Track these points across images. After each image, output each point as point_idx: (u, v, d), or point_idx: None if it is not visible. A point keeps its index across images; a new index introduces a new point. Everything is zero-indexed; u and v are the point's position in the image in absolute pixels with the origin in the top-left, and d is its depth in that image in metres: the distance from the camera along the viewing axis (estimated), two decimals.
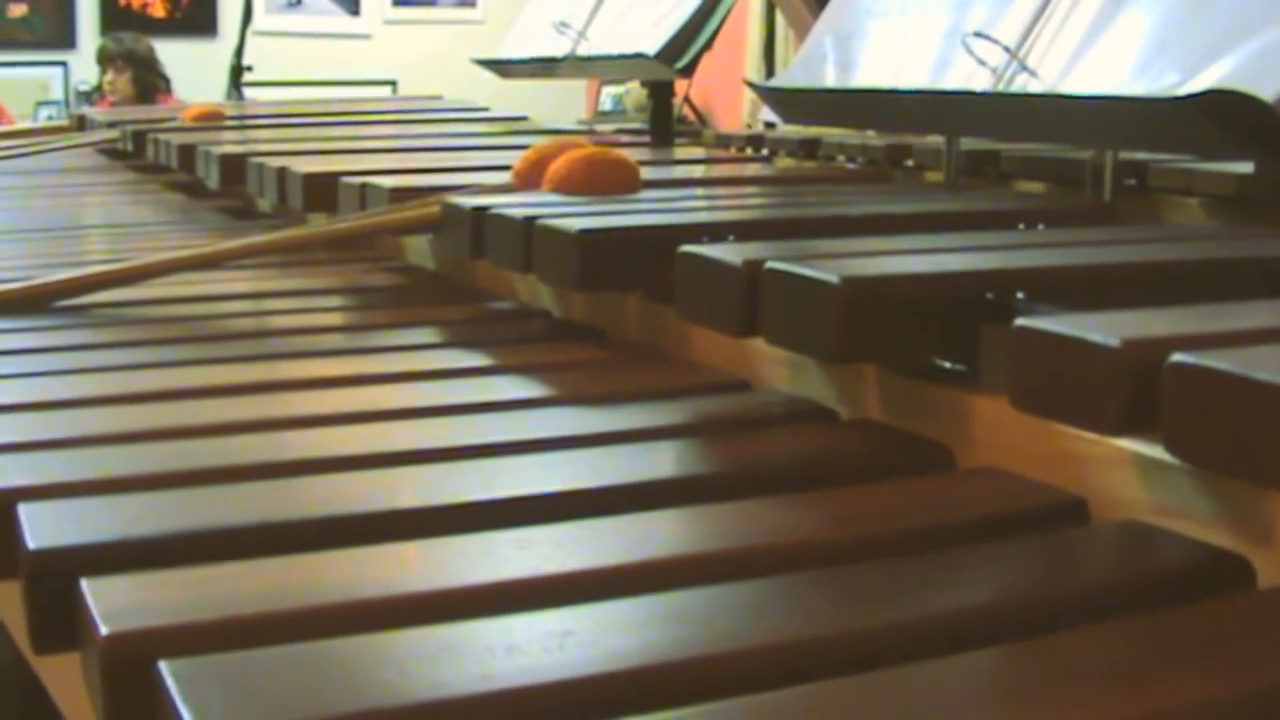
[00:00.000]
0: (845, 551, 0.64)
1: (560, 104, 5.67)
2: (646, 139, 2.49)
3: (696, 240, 0.93)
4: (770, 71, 4.69)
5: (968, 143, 1.91)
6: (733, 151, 2.90)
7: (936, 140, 2.11)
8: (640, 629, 0.54)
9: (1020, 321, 0.69)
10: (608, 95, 7.12)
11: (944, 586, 0.60)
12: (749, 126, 5.12)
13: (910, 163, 2.34)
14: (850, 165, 2.48)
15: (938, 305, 0.81)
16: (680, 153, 2.16)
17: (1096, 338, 0.64)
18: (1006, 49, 1.41)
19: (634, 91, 6.89)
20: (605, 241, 1.01)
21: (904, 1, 1.66)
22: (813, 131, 2.63)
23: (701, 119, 5.85)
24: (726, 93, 5.87)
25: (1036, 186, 2.05)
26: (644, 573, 0.60)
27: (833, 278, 0.78)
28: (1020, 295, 0.81)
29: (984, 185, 2.05)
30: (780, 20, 4.82)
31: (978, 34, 1.46)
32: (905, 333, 0.81)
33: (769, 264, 0.82)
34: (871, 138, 2.49)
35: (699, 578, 0.59)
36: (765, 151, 2.86)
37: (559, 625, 0.53)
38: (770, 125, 4.00)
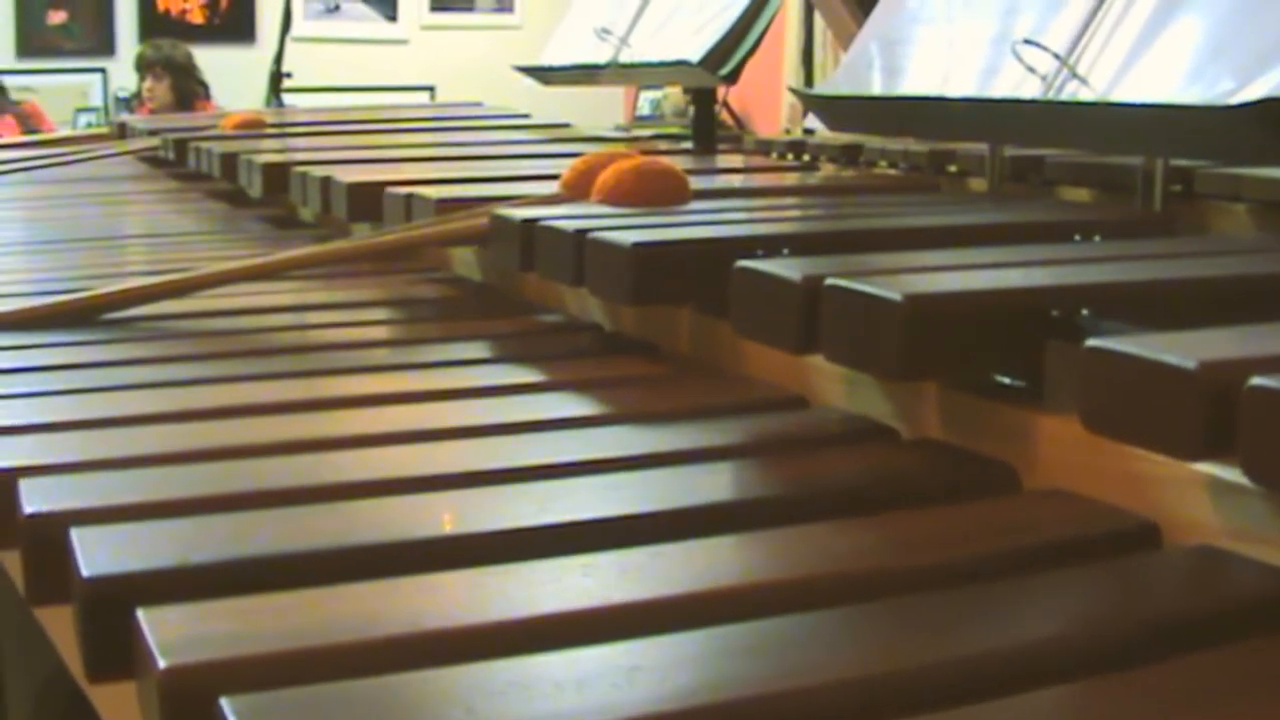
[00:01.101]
0: (911, 579, 0.63)
1: (597, 110, 5.67)
2: (686, 145, 2.48)
3: (750, 254, 0.92)
4: (809, 77, 4.67)
5: (1011, 148, 1.89)
6: (773, 157, 2.89)
7: (979, 146, 2.10)
8: (708, 663, 0.52)
9: (1092, 342, 0.67)
10: (645, 100, 7.11)
11: (1012, 617, 0.58)
12: (787, 132, 5.11)
13: (953, 169, 2.33)
14: (892, 172, 2.47)
15: (1001, 322, 0.79)
16: (724, 161, 2.14)
17: (1172, 359, 0.63)
18: (1057, 56, 1.39)
19: (671, 96, 6.89)
20: (659, 255, 1.00)
21: (950, 7, 1.64)
22: (851, 137, 2.62)
23: (740, 124, 5.84)
24: (764, 98, 5.86)
25: (1081, 193, 2.04)
26: (709, 602, 0.59)
27: (895, 295, 0.76)
28: (1085, 312, 0.80)
29: (1028, 192, 2.04)
30: (819, 25, 4.80)
31: (1027, 41, 1.44)
32: (968, 350, 0.79)
33: (829, 280, 0.81)
34: (913, 144, 2.48)
35: (764, 607, 0.57)
36: (807, 157, 2.85)
37: (627, 659, 0.51)
38: (809, 131, 3.99)
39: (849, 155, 2.66)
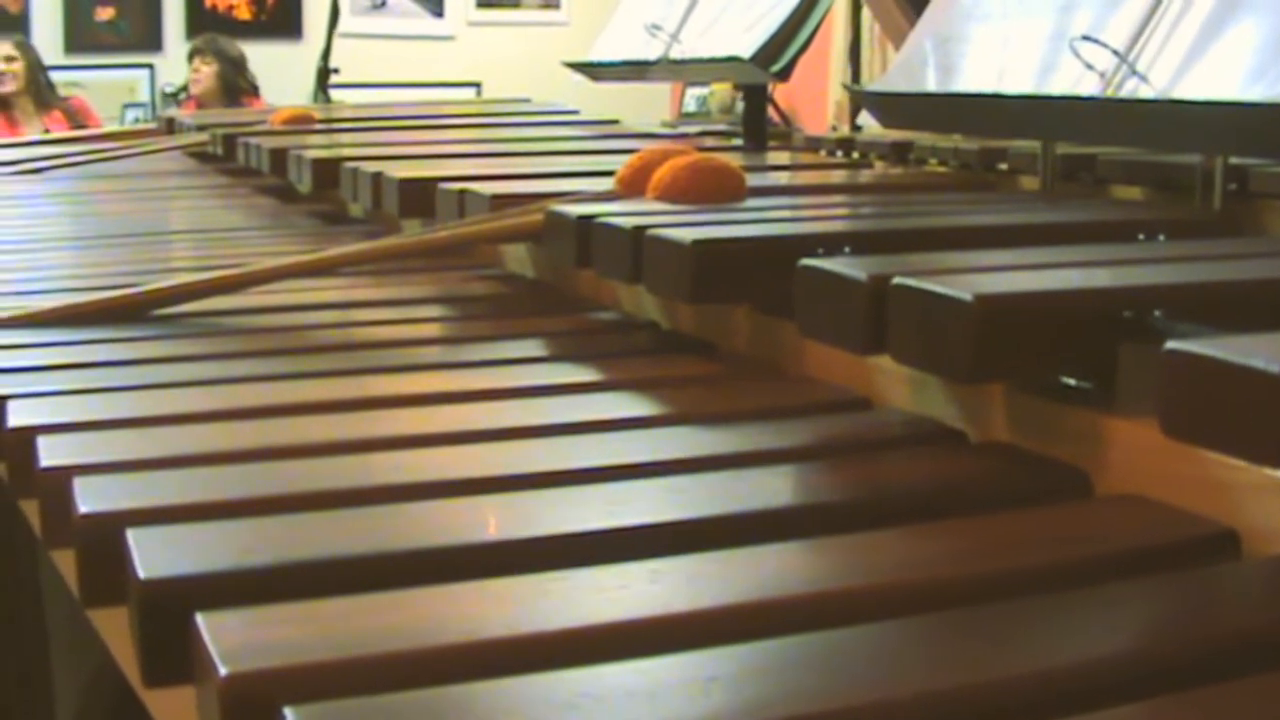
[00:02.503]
0: (981, 588, 0.61)
1: (643, 106, 5.66)
2: (734, 142, 2.47)
3: (811, 252, 0.90)
4: (856, 74, 4.66)
5: (1063, 146, 1.87)
6: (822, 155, 2.88)
7: (1030, 144, 2.08)
8: (783, 674, 0.51)
9: (1171, 345, 0.65)
10: (691, 97, 7.10)
11: (1086, 629, 0.56)
12: (834, 129, 5.10)
13: (1003, 166, 2.31)
14: (943, 169, 2.45)
15: (1072, 323, 0.78)
16: (776, 158, 2.13)
17: (1258, 364, 0.61)
18: (1116, 53, 1.38)
19: (718, 93, 6.88)
20: (719, 253, 0.98)
21: (1005, 4, 1.63)
22: (900, 134, 2.60)
23: (787, 121, 5.82)
24: (811, 94, 5.84)
25: (1134, 191, 2.02)
26: (779, 611, 0.57)
27: (965, 295, 0.75)
28: (1158, 314, 0.78)
29: (1080, 190, 2.02)
30: (866, 22, 4.78)
31: (1086, 38, 1.42)
32: (1038, 352, 0.77)
33: (896, 280, 0.79)
34: (964, 141, 2.46)
35: (833, 617, 0.56)
36: (856, 155, 2.83)
37: (700, 670, 0.50)
38: (857, 128, 3.98)
39: (899, 153, 2.64)
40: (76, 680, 1.90)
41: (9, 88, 5.84)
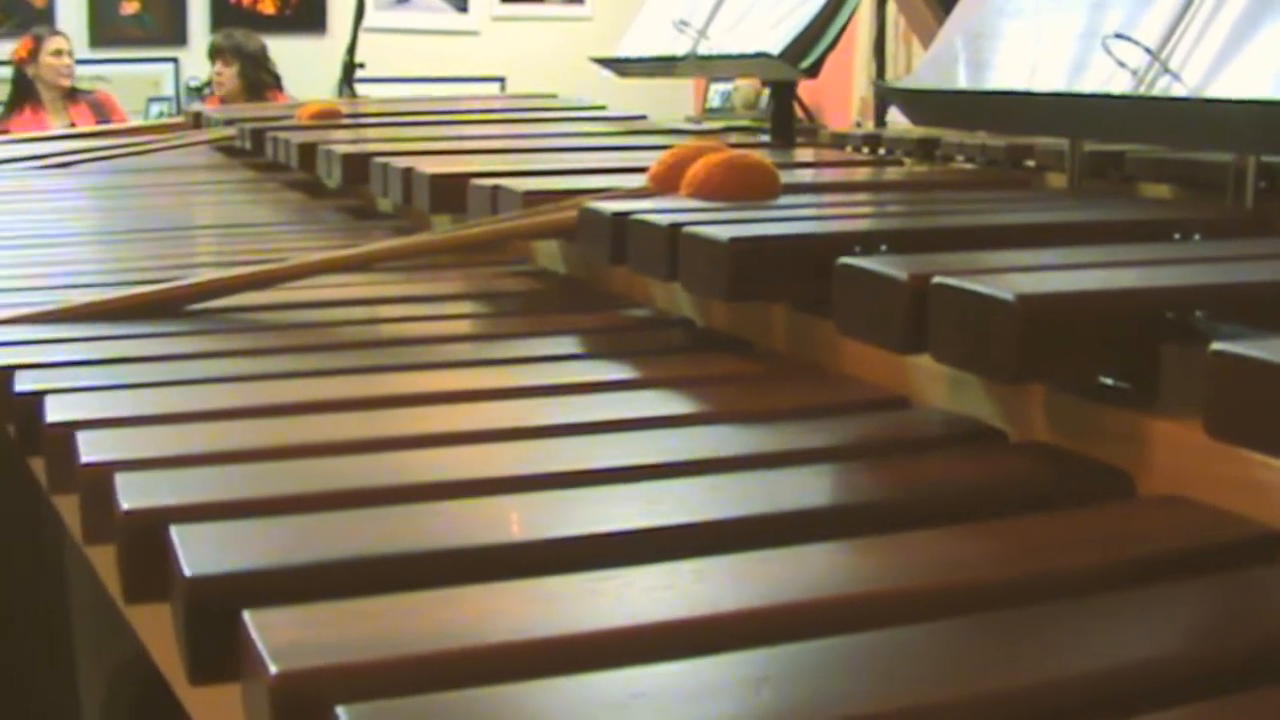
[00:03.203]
0: (1024, 590, 0.61)
1: (667, 102, 5.65)
2: (759, 138, 2.47)
3: (847, 250, 0.90)
4: (881, 70, 4.66)
5: (1090, 143, 1.87)
6: (849, 151, 2.88)
7: (1057, 141, 2.08)
8: (833, 674, 0.51)
9: (1217, 346, 0.65)
10: (715, 92, 7.10)
11: (1130, 632, 0.56)
12: (858, 125, 5.09)
13: (1030, 163, 2.31)
14: (969, 166, 2.45)
15: (1114, 324, 0.77)
16: (804, 154, 2.12)
17: None
18: (1148, 51, 1.37)
19: (742, 89, 6.87)
20: (756, 251, 0.98)
21: (1036, 1, 1.62)
22: (926, 131, 2.60)
23: (811, 117, 5.81)
24: (835, 91, 5.83)
25: (1162, 189, 2.02)
26: (825, 611, 0.57)
27: (1008, 295, 0.74)
28: (1200, 314, 0.78)
29: (1109, 188, 2.02)
30: (891, 18, 4.78)
31: (1119, 35, 1.42)
32: (1080, 352, 0.77)
33: (936, 279, 0.79)
34: (991, 138, 2.46)
35: (878, 618, 0.56)
36: (883, 151, 2.83)
37: (752, 669, 0.50)
38: (881, 124, 3.98)
39: (925, 149, 2.64)
40: (102, 670, 1.90)
41: (69, 80, 5.89)
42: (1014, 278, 0.81)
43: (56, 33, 6.10)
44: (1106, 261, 0.92)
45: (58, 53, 5.93)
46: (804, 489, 0.73)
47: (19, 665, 2.06)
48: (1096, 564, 0.63)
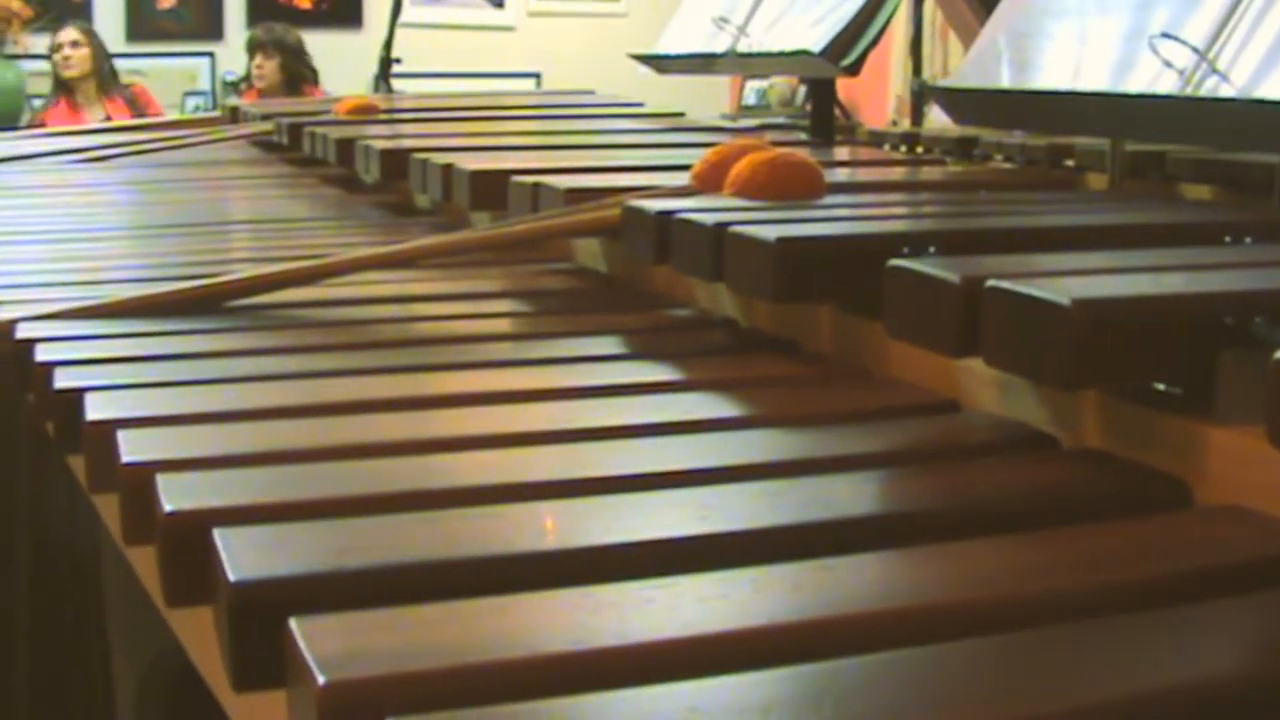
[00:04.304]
0: (1078, 604, 0.59)
1: (702, 99, 5.64)
2: (797, 135, 2.45)
3: (896, 251, 0.89)
4: (918, 68, 4.64)
5: (1131, 143, 1.85)
6: (887, 150, 2.86)
7: (1097, 141, 2.06)
8: (893, 690, 0.49)
9: None
10: (751, 90, 7.08)
11: (1191, 648, 0.54)
12: (894, 123, 5.08)
13: (1070, 163, 2.29)
14: (1008, 165, 2.44)
15: (1171, 329, 0.76)
16: (844, 153, 2.11)
17: None
18: (1196, 50, 1.36)
19: (777, 86, 6.86)
20: (803, 251, 0.97)
21: (1080, 0, 1.61)
22: (964, 130, 2.59)
23: (847, 115, 5.79)
24: (872, 89, 5.81)
25: (1204, 190, 2.00)
26: (884, 622, 0.56)
27: (1063, 299, 0.73)
28: (1259, 320, 0.76)
29: (1150, 188, 2.00)
30: (928, 16, 4.76)
31: (1165, 35, 1.40)
32: (1136, 357, 0.76)
33: (989, 282, 0.78)
34: (1030, 137, 2.45)
35: (935, 631, 0.55)
36: (921, 150, 2.82)
37: (813, 683, 0.49)
38: (918, 122, 3.96)
39: (964, 148, 2.63)
40: (134, 667, 1.89)
41: (74, 71, 5.89)
42: (1067, 281, 0.80)
43: (67, 25, 6.11)
44: (1158, 265, 0.90)
45: (58, 46, 5.96)
46: (858, 496, 0.71)
47: (53, 662, 2.05)
48: (1156, 576, 0.62)
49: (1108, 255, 0.95)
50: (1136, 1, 1.48)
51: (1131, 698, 0.50)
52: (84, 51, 5.92)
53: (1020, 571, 0.62)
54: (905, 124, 4.28)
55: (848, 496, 0.71)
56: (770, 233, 0.97)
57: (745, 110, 6.93)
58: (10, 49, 6.72)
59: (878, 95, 5.95)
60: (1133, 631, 0.55)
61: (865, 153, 2.39)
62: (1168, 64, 1.38)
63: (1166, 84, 1.36)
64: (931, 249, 0.93)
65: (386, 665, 0.50)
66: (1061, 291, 0.74)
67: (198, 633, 0.71)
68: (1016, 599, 0.59)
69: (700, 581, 0.58)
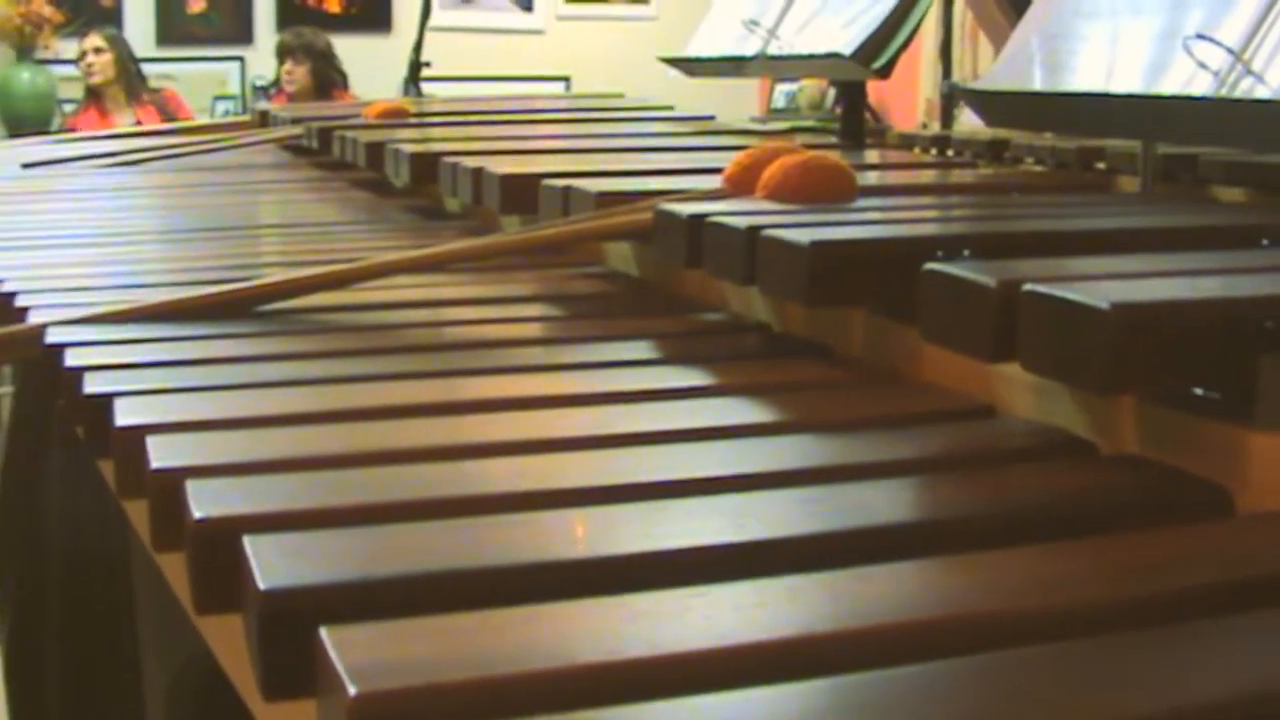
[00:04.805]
0: (1118, 614, 0.58)
1: (732, 102, 5.63)
2: (827, 138, 2.45)
3: (930, 254, 0.88)
4: (947, 70, 4.63)
5: (1162, 145, 1.84)
6: (916, 152, 2.86)
7: (1129, 143, 2.05)
8: (933, 703, 0.49)
9: None
10: (780, 93, 7.07)
11: (1237, 660, 0.53)
12: (924, 126, 5.07)
13: (1101, 165, 2.28)
14: (1039, 168, 2.42)
15: (1211, 334, 0.75)
16: (874, 156, 2.10)
17: None
18: (1230, 51, 1.35)
19: (808, 89, 6.85)
20: (837, 255, 0.96)
21: (1113, 1, 1.60)
22: (995, 132, 2.57)
23: (877, 118, 5.78)
24: (902, 91, 5.80)
25: (1237, 193, 1.99)
26: (924, 633, 0.55)
27: (1101, 303, 0.72)
28: None
29: (1182, 191, 1.99)
30: (958, 18, 4.75)
31: (1199, 36, 1.39)
32: (1175, 362, 0.75)
33: (1027, 286, 0.77)
34: (1060, 140, 2.43)
35: (977, 641, 0.54)
36: (951, 152, 2.81)
37: (854, 696, 0.48)
38: (948, 125, 3.95)
39: (994, 151, 2.62)
40: (164, 670, 1.89)
41: (97, 78, 5.91)
42: (1105, 285, 0.79)
43: (91, 32, 6.13)
44: (1196, 269, 0.89)
45: (83, 54, 5.98)
46: (894, 503, 0.71)
47: (83, 666, 2.05)
48: (1197, 586, 0.61)
49: (1143, 259, 0.94)
50: (1170, 2, 1.47)
51: (1174, 711, 0.49)
52: (107, 58, 5.94)
53: (1059, 581, 0.61)
54: (935, 126, 4.28)
55: (884, 503, 0.70)
56: (803, 236, 0.96)
57: (775, 113, 6.92)
58: (41, 54, 6.75)
59: (907, 98, 5.93)
60: (1174, 643, 0.55)
61: (896, 155, 2.38)
62: (1202, 65, 1.37)
63: (1201, 86, 1.35)
64: (966, 252, 0.92)
65: (418, 676, 0.49)
66: (1099, 295, 0.73)
67: (228, 640, 0.70)
68: (1056, 609, 0.58)
69: (736, 590, 0.57)
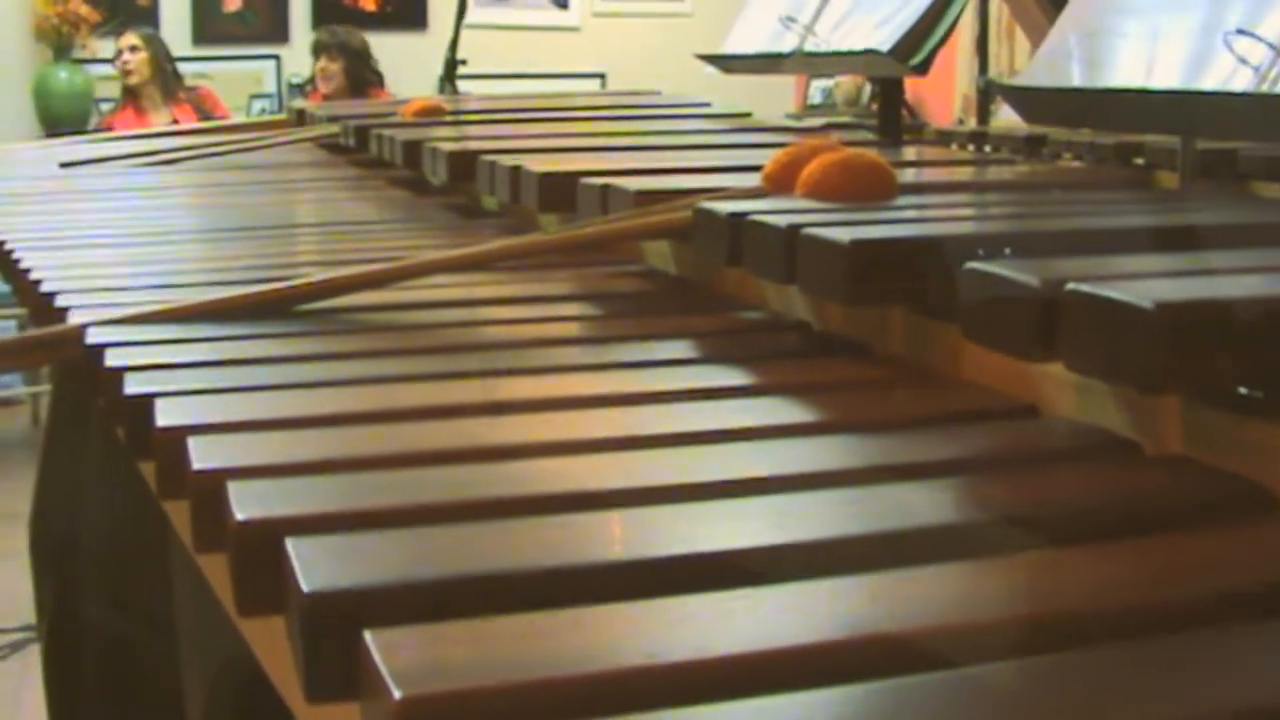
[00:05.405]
0: (1165, 616, 0.58)
1: (768, 97, 5.63)
2: (864, 135, 2.44)
3: (971, 253, 0.87)
4: (984, 66, 4.62)
5: (1202, 140, 1.83)
6: (954, 148, 2.85)
7: (1168, 139, 2.04)
8: (984, 707, 0.48)
9: None
10: (816, 89, 7.06)
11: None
12: (960, 122, 5.05)
13: (1139, 161, 2.27)
14: (1077, 164, 2.42)
15: (1254, 332, 0.74)
16: (912, 153, 2.09)
17: None
18: (1272, 46, 1.34)
19: (844, 85, 6.84)
20: (877, 253, 0.96)
21: None
22: (1031, 128, 2.57)
23: (913, 113, 5.77)
24: (938, 87, 5.79)
25: (1276, 189, 1.98)
26: (972, 636, 0.54)
27: (1145, 303, 0.72)
28: None
29: (1221, 187, 1.98)
30: (994, 13, 4.73)
31: (1240, 31, 1.39)
32: (1220, 362, 0.74)
33: (1070, 285, 0.76)
34: (1098, 135, 2.43)
35: (1028, 644, 0.53)
36: (989, 148, 2.80)
37: (902, 699, 0.48)
38: (984, 121, 3.94)
39: (1032, 146, 2.61)
40: (203, 671, 1.90)
41: (133, 78, 5.93)
42: (1148, 284, 0.78)
43: (130, 30, 6.16)
44: (1239, 266, 0.89)
45: (119, 53, 6.00)
46: (937, 504, 0.70)
47: (121, 665, 2.06)
48: (1248, 588, 0.61)
49: (1186, 256, 0.93)
50: None
51: (1235, 714, 0.49)
52: (142, 56, 5.96)
53: (1106, 583, 0.60)
54: (971, 122, 4.27)
55: (927, 504, 0.70)
56: (844, 235, 0.96)
57: (810, 109, 6.91)
58: (78, 53, 6.77)
59: (943, 93, 5.92)
60: (1221, 645, 0.54)
61: (934, 152, 2.38)
62: (1242, 60, 1.36)
63: (1241, 81, 1.35)
64: (1007, 250, 0.92)
65: (462, 679, 0.49)
66: (1143, 294, 0.73)
67: (270, 641, 0.70)
68: (1103, 612, 0.58)
69: (779, 593, 0.57)
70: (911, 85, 5.70)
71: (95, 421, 1.94)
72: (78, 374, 1.06)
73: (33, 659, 2.65)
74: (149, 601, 1.98)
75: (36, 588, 2.26)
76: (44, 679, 2.26)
